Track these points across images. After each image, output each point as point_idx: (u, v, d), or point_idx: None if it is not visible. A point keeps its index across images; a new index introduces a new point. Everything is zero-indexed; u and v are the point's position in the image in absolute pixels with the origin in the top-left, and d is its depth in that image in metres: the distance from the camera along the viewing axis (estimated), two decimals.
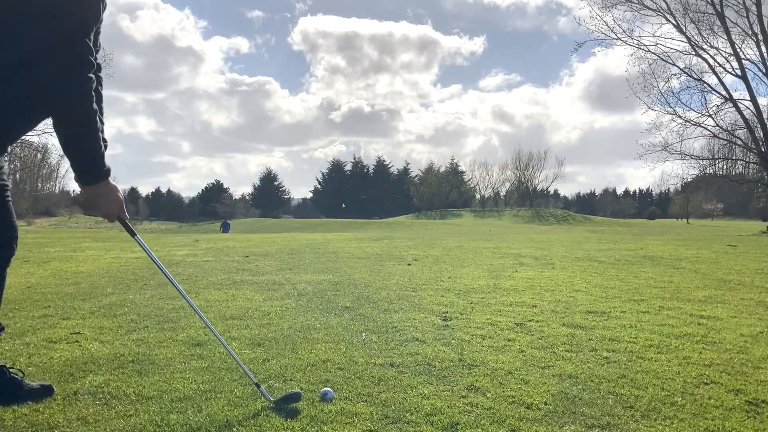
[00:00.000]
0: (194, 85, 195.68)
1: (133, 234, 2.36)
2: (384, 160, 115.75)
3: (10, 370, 2.40)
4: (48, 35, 1.98)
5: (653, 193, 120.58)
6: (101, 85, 2.34)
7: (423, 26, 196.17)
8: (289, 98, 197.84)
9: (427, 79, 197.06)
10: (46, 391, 2.38)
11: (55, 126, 2.08)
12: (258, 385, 2.36)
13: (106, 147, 2.26)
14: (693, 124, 27.83)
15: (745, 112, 27.06)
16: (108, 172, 2.16)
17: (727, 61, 26.89)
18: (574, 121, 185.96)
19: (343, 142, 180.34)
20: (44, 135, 35.93)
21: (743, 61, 26.36)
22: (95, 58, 2.08)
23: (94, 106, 2.07)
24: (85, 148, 2.08)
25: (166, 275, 2.47)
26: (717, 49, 26.78)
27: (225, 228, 39.42)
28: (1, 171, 2.33)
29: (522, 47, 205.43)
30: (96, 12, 2.10)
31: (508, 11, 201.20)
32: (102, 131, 2.19)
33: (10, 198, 2.36)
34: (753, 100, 26.64)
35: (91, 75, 2.05)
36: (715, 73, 27.06)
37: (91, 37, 2.08)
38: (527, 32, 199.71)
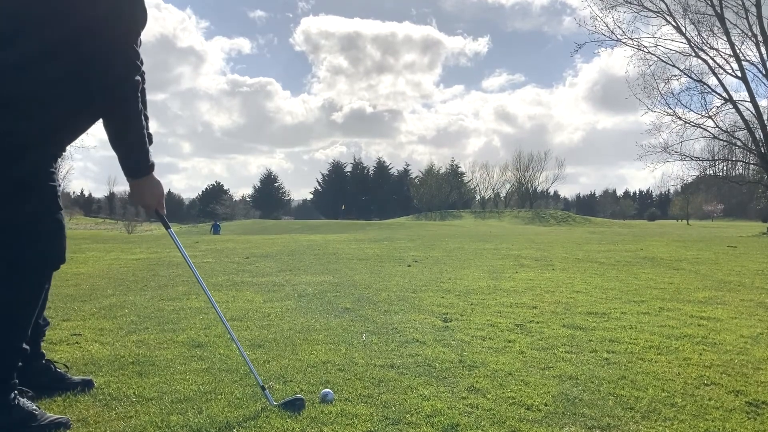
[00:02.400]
0: (195, 86, 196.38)
1: (167, 227, 2.48)
2: (384, 162, 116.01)
3: (56, 364, 2.52)
4: (98, 43, 2.10)
5: (653, 194, 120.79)
6: (144, 81, 2.49)
7: (427, 27, 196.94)
8: (290, 99, 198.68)
9: (430, 80, 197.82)
10: (86, 385, 2.49)
11: (104, 124, 2.22)
12: (263, 388, 2.36)
13: (151, 142, 2.40)
14: (693, 126, 27.84)
15: (745, 114, 27.08)
16: (152, 167, 2.29)
17: (727, 62, 26.92)
18: (576, 122, 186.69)
19: (344, 143, 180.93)
20: None
21: (743, 63, 26.39)
22: (141, 61, 2.22)
23: (140, 106, 2.20)
24: (130, 144, 2.21)
25: (193, 272, 2.58)
26: (717, 50, 26.80)
27: (215, 229, 40.04)
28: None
29: (526, 47, 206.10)
30: (144, 19, 2.23)
31: (513, 10, 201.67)
32: (147, 127, 2.32)
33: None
34: (753, 101, 26.65)
35: (138, 78, 2.18)
36: (715, 74, 27.07)
37: (138, 41, 2.22)
38: (532, 32, 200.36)
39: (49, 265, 2.20)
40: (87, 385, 2.49)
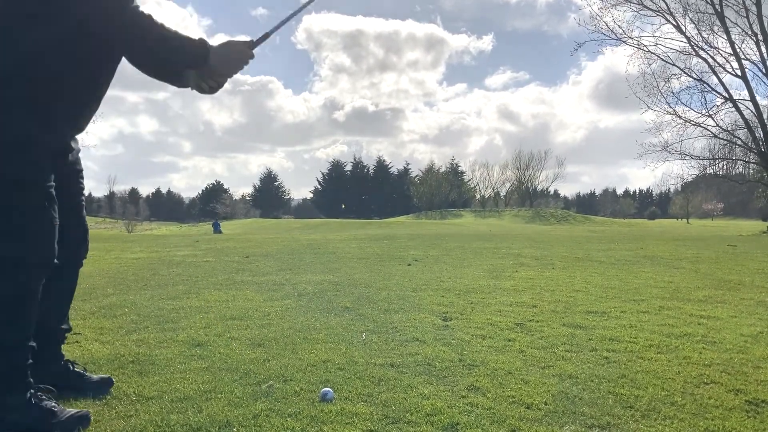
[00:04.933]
0: None
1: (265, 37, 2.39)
2: (384, 161, 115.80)
3: (75, 365, 2.51)
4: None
5: (653, 193, 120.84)
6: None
7: (431, 25, 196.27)
8: (292, 98, 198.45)
9: (433, 78, 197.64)
10: (105, 383, 2.47)
11: (144, 61, 2.34)
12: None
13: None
14: (693, 125, 27.86)
15: (745, 112, 27.10)
16: (203, 42, 2.22)
17: (727, 61, 26.95)
18: (579, 121, 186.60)
19: (345, 142, 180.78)
20: None
21: (743, 61, 26.40)
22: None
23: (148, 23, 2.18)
24: (175, 47, 2.18)
25: None
26: (717, 49, 26.83)
27: (216, 228, 40.37)
28: (77, 152, 2.44)
29: (530, 45, 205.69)
30: None
31: (518, 8, 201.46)
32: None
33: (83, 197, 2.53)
34: (753, 100, 26.69)
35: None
36: (715, 73, 27.12)
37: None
38: (536, 30, 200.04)
39: (37, 264, 2.14)
40: (106, 383, 2.47)
